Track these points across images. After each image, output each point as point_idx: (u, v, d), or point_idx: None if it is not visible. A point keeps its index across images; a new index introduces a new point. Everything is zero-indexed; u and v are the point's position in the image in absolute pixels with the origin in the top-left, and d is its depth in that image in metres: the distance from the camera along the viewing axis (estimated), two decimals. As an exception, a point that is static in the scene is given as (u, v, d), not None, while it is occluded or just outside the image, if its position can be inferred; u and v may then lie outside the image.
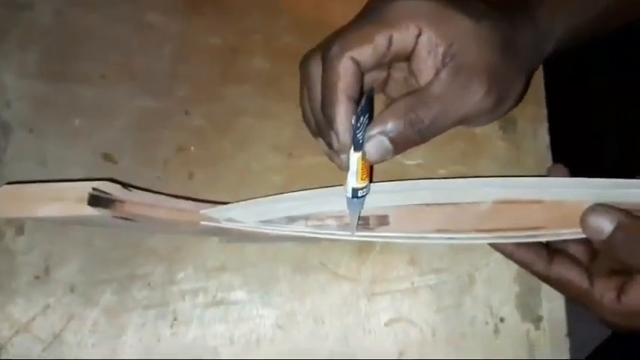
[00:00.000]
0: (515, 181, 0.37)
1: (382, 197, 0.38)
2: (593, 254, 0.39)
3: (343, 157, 0.34)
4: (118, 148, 0.43)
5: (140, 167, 0.43)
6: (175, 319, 0.41)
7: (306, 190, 0.35)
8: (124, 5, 0.46)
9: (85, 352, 0.40)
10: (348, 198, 0.34)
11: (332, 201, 0.37)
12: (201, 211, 0.36)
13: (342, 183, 0.34)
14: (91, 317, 0.41)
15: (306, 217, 0.38)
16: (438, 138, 0.43)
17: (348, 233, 0.37)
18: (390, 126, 0.32)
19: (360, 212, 0.36)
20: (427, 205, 0.38)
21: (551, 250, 0.39)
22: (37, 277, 0.41)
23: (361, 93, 0.34)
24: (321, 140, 0.39)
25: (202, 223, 0.37)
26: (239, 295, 0.41)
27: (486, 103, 0.34)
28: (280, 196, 0.37)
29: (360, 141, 0.32)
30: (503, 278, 0.42)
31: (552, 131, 0.45)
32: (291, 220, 0.38)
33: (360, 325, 0.41)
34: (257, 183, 0.43)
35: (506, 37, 0.34)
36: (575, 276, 0.37)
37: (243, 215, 0.37)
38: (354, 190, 0.33)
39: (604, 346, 0.62)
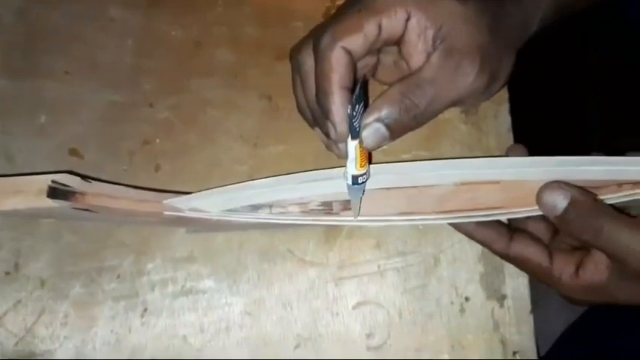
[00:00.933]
0: (474, 163, 0.38)
1: (344, 183, 0.38)
2: (554, 232, 0.40)
3: (341, 145, 0.35)
4: (84, 143, 0.44)
5: (106, 161, 0.43)
6: (145, 310, 0.41)
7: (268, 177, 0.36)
8: (86, 1, 0.46)
9: (57, 344, 0.41)
10: (348, 185, 0.34)
11: (294, 188, 0.38)
12: (164, 202, 0.37)
13: (304, 168, 0.35)
14: (61, 310, 0.41)
15: (270, 205, 0.39)
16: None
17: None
18: (385, 113, 0.33)
19: (361, 198, 0.36)
20: (389, 189, 0.39)
21: (512, 228, 0.39)
22: (7, 273, 0.41)
23: (354, 81, 0.34)
24: (318, 129, 0.39)
25: (166, 213, 0.37)
26: (207, 284, 0.42)
27: (479, 83, 0.34)
28: (243, 184, 0.37)
29: (357, 129, 0.32)
30: (467, 258, 0.43)
31: (513, 112, 0.45)
32: (255, 208, 0.39)
33: (328, 309, 0.42)
34: (223, 173, 0.43)
35: (494, 18, 0.35)
36: (534, 253, 0.38)
37: (206, 204, 0.38)
38: (354, 177, 0.34)
39: (578, 323, 0.63)
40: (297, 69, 0.38)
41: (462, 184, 0.38)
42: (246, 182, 0.37)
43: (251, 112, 0.45)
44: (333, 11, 0.47)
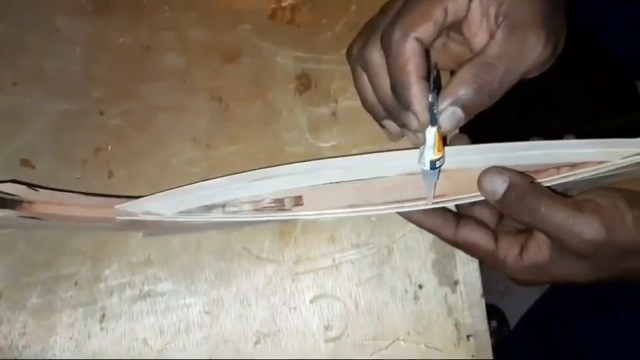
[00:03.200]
0: (415, 154, 0.39)
1: (295, 179, 0.39)
2: (500, 216, 0.41)
3: (419, 134, 0.36)
4: (36, 153, 0.44)
5: (59, 169, 0.44)
6: (104, 315, 0.42)
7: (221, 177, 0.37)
8: (31, 11, 0.46)
9: (16, 354, 0.41)
10: (424, 170, 0.35)
11: (246, 186, 0.39)
12: (117, 206, 0.37)
13: (256, 167, 0.37)
14: (19, 321, 0.41)
15: (223, 205, 0.39)
16: (349, 118, 0.45)
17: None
18: (461, 95, 0.33)
19: (435, 182, 0.37)
20: (337, 183, 0.40)
21: (459, 215, 0.41)
22: (-38, 287, 0.41)
23: (429, 69, 0.35)
24: (388, 123, 0.40)
25: (118, 217, 0.38)
26: (165, 286, 0.42)
27: (546, 53, 0.35)
28: (195, 185, 0.38)
29: (436, 115, 0.33)
30: (419, 247, 0.44)
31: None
32: (209, 208, 0.39)
33: (286, 304, 0.43)
34: (177, 176, 0.44)
35: None
36: (479, 238, 0.39)
37: (160, 207, 0.38)
38: (432, 162, 0.35)
39: (541, 302, 0.65)
40: (364, 66, 0.38)
41: (408, 174, 0.39)
42: (198, 183, 0.38)
43: (202, 114, 0.45)
44: (279, 12, 0.48)
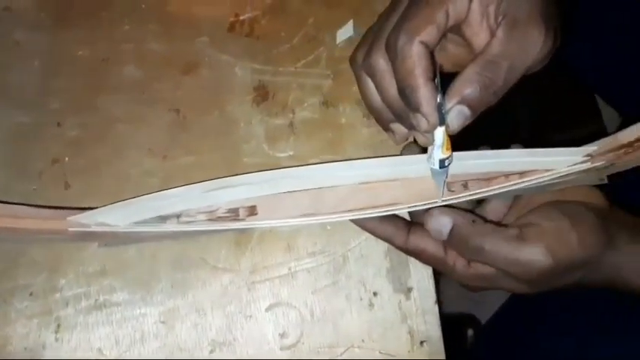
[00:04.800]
0: (369, 163, 0.40)
1: (250, 189, 0.40)
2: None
3: (428, 134, 0.36)
4: (-8, 165, 0.44)
5: (15, 181, 0.44)
6: (59, 326, 0.42)
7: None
8: (-10, 25, 0.47)
9: (-30, 367, 0.41)
10: (433, 169, 0.36)
11: (200, 196, 0.39)
12: (69, 218, 0.38)
13: (214, 178, 0.38)
14: (-26, 332, 0.41)
15: (178, 215, 0.40)
16: (306, 129, 0.46)
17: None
18: (467, 94, 0.34)
19: (445, 180, 0.38)
20: (291, 192, 0.40)
21: (411, 223, 0.42)
22: None
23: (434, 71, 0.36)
24: (396, 126, 0.41)
25: (70, 229, 0.38)
26: (121, 296, 0.43)
27: (547, 46, 0.36)
28: (147, 196, 0.38)
29: (444, 115, 0.34)
30: (374, 255, 0.44)
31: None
32: (163, 218, 0.40)
33: (242, 313, 0.43)
34: (134, 187, 0.44)
35: None
36: (429, 245, 0.40)
37: (113, 218, 0.39)
38: (441, 161, 0.36)
39: (506, 307, 0.66)
40: (370, 72, 0.39)
41: (361, 183, 0.40)
42: (151, 194, 0.38)
43: (160, 125, 0.46)
44: (237, 25, 0.49)
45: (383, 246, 0.44)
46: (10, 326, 0.41)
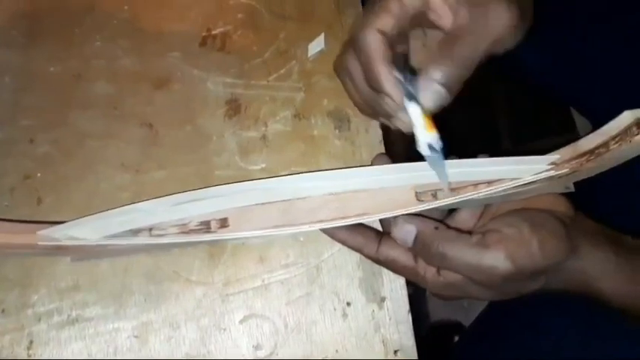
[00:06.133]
0: (339, 174, 0.40)
1: (221, 201, 0.40)
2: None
3: (405, 117, 0.37)
4: (-37, 182, 0.44)
5: (-14, 198, 0.44)
6: (31, 342, 0.42)
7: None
8: (-39, 42, 0.47)
9: (-60, 386, 0.40)
10: (427, 157, 0.36)
11: (170, 210, 0.39)
12: (39, 232, 0.38)
13: (186, 190, 0.38)
14: (-56, 351, 0.41)
15: (150, 228, 0.40)
16: (278, 141, 0.46)
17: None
18: (438, 71, 0.35)
19: (445, 167, 0.37)
20: (262, 204, 0.41)
21: (381, 233, 0.42)
22: None
23: (395, 56, 0.37)
24: (381, 120, 0.42)
25: (40, 243, 0.38)
26: (94, 311, 0.43)
27: (511, 19, 0.37)
28: (117, 209, 0.38)
29: (412, 92, 0.35)
30: (347, 265, 0.45)
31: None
32: (135, 232, 0.40)
33: (216, 326, 0.43)
34: (106, 202, 0.44)
35: None
36: (400, 255, 0.40)
37: (84, 232, 0.39)
38: (429, 145, 0.35)
39: (486, 314, 0.66)
40: (346, 72, 0.40)
41: (331, 194, 0.41)
42: (121, 208, 0.38)
43: (131, 140, 0.46)
44: (209, 40, 0.49)
45: (356, 257, 0.45)
46: (-19, 344, 0.41)
